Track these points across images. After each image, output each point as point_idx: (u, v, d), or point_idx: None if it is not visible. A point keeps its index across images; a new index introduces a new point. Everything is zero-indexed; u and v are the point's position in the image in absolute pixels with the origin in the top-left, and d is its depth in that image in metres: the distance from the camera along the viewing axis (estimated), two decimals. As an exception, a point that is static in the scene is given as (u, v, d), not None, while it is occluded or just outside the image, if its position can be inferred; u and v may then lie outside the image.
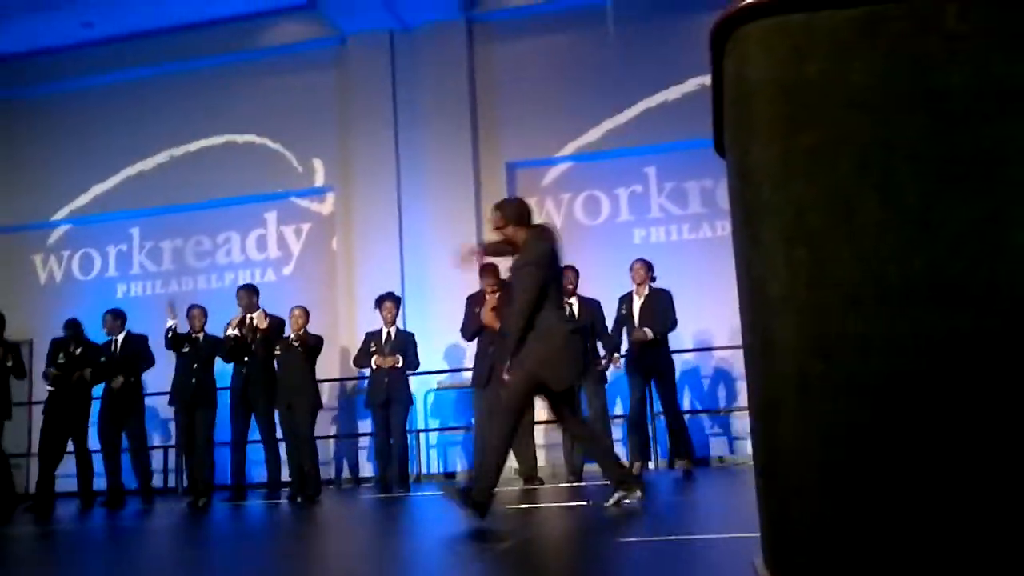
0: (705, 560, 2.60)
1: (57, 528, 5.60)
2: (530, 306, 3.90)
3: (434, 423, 8.18)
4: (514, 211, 4.20)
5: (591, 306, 6.68)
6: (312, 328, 6.72)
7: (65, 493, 7.53)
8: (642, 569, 2.55)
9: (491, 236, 4.42)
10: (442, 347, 7.95)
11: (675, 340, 6.85)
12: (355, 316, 8.35)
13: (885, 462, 1.29)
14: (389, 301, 7.23)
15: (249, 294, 6.88)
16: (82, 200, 9.75)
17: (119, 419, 7.10)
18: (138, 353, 7.22)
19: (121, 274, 9.62)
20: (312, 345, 6.64)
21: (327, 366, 7.79)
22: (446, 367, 8.03)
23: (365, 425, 7.89)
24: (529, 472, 6.40)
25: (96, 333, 7.39)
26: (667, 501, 4.72)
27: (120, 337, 7.30)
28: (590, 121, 8.54)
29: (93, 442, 7.16)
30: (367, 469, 8.14)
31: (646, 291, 6.58)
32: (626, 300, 6.65)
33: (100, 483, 7.15)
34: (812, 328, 1.40)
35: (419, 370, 7.32)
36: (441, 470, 8.09)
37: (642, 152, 8.45)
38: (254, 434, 6.82)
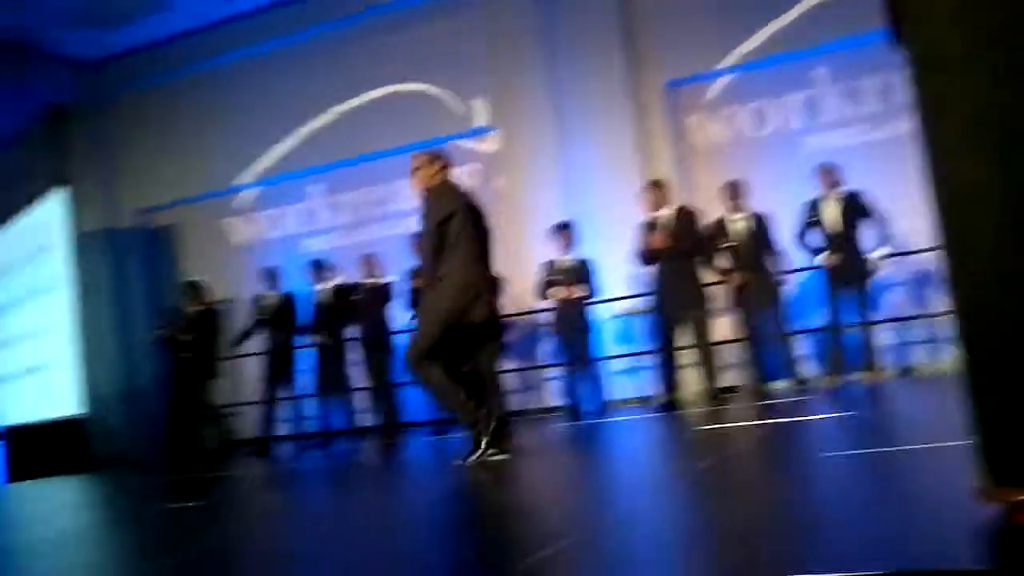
0: (915, 471, 2.53)
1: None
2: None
3: (618, 349, 8.23)
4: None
5: (759, 219, 6.64)
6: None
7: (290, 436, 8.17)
8: (851, 482, 2.52)
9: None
10: (614, 276, 7.96)
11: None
12: (524, 251, 8.48)
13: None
14: (565, 229, 7.30)
15: None
16: (263, 163, 10.33)
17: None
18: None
19: (306, 230, 10.17)
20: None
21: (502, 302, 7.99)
22: (622, 295, 8.03)
23: (548, 356, 8.08)
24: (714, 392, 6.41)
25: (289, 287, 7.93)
26: (867, 414, 4.60)
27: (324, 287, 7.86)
28: (750, 28, 8.20)
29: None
30: (551, 400, 8.32)
31: (836, 195, 6.51)
32: (813, 205, 6.52)
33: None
34: (1010, 215, 1.34)
35: (599, 298, 7.39)
36: (629, 396, 8.14)
37: (809, 54, 8.04)
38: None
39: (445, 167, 4.48)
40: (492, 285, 4.48)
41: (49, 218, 10.70)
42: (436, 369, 4.19)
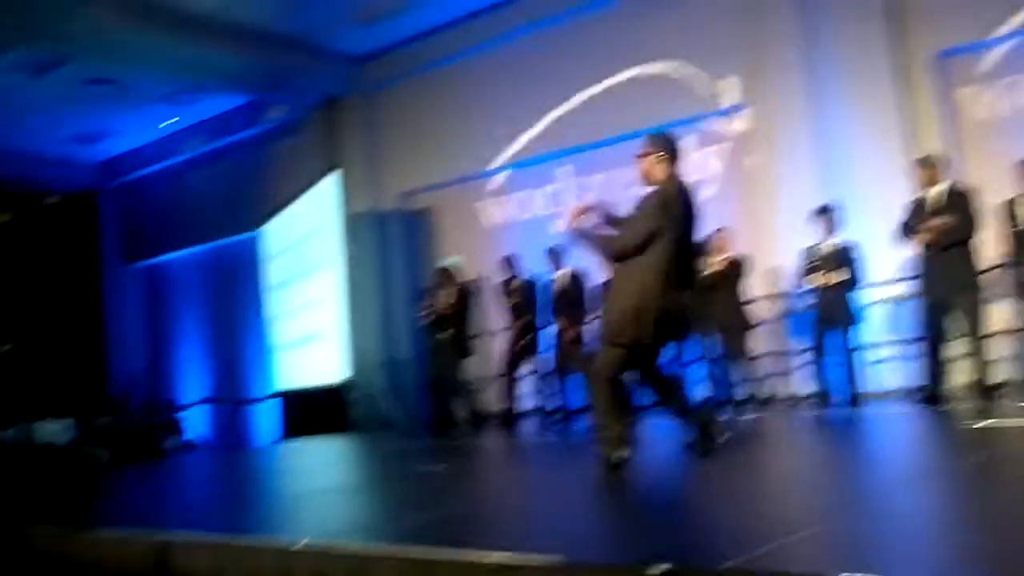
0: None
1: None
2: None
3: (882, 338, 7.73)
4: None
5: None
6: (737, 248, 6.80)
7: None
8: None
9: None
10: (877, 260, 7.49)
11: None
12: (775, 233, 8.18)
13: None
14: (826, 212, 6.96)
15: None
16: (514, 148, 10.67)
17: None
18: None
19: (554, 212, 10.40)
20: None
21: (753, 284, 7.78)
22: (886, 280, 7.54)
23: (801, 342, 7.77)
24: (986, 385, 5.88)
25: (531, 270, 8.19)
26: None
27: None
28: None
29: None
30: (802, 388, 7.97)
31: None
32: None
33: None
34: None
35: (862, 284, 6.98)
36: (891, 387, 7.65)
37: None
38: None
39: (673, 158, 4.31)
40: (686, 283, 4.19)
41: (322, 201, 11.66)
42: (608, 392, 3.93)
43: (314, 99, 11.84)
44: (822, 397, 6.89)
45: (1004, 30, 7.57)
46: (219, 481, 5.66)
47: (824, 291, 6.77)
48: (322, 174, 11.59)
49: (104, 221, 15.04)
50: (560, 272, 8.14)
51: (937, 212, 5.96)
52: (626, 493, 3.16)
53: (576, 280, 8.02)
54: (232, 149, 13.26)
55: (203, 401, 13.62)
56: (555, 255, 8.20)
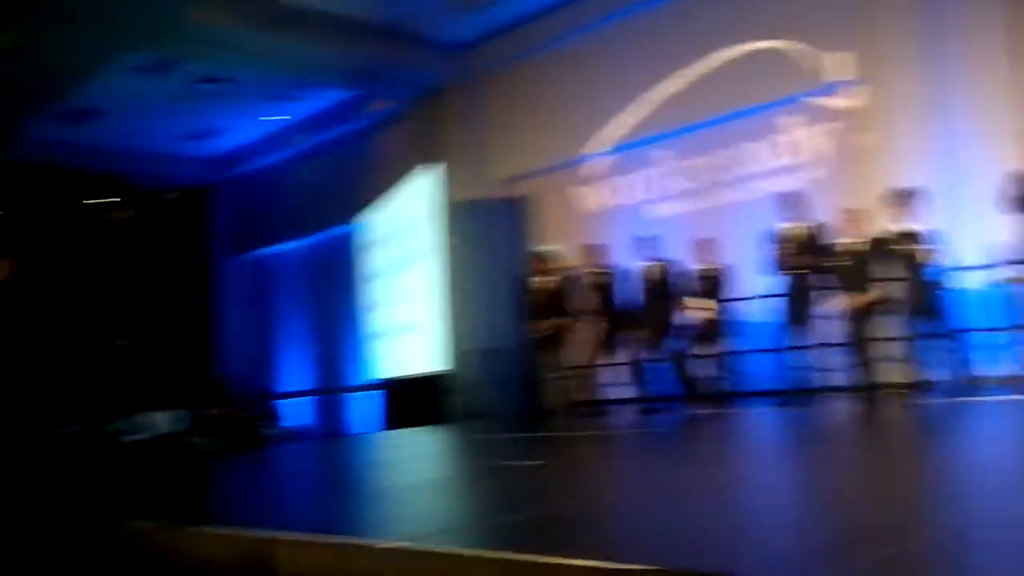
0: None
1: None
2: None
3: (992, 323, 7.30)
4: None
5: None
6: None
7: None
8: None
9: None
10: (985, 241, 7.07)
11: None
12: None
13: None
14: (906, 196, 6.68)
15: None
16: (610, 133, 10.48)
17: None
18: None
19: (654, 196, 10.17)
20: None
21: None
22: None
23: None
24: None
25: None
26: None
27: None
28: None
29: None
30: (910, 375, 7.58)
31: None
32: None
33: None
34: None
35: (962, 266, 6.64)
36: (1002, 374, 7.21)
37: None
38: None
39: None
40: None
41: (421, 192, 11.73)
42: None
43: (415, 90, 11.92)
44: (927, 385, 6.54)
45: None
46: (315, 475, 5.75)
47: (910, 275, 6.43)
48: (424, 164, 11.66)
49: (215, 215, 15.57)
50: (650, 263, 7.96)
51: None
52: (730, 491, 3.02)
53: (665, 271, 7.84)
54: (336, 143, 13.50)
55: (301, 393, 13.95)
56: (646, 245, 8.04)
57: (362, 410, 12.84)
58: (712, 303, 7.65)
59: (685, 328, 7.76)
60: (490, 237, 11.32)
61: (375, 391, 12.30)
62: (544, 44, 10.85)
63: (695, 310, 7.67)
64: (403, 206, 12.14)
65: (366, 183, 12.83)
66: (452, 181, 11.38)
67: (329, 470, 5.83)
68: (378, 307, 12.73)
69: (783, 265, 7.03)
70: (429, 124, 11.93)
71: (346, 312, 13.52)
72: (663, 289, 7.81)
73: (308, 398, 14.09)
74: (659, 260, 7.96)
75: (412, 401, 11.09)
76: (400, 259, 12.22)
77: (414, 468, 5.27)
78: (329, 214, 13.68)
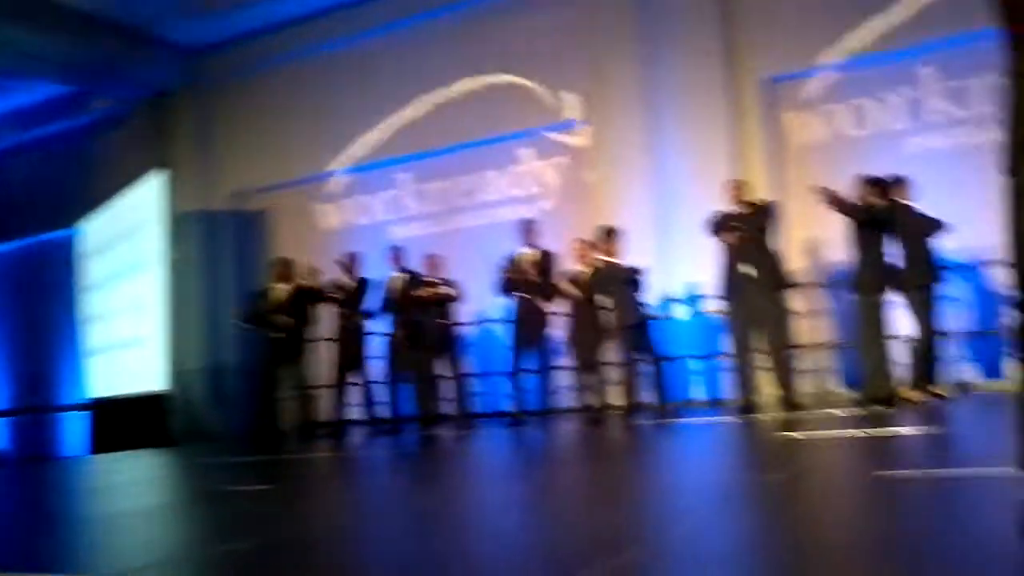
0: (965, 498, 2.37)
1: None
2: None
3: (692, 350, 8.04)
4: None
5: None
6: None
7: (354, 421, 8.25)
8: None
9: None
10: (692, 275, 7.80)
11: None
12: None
13: None
14: (610, 233, 7.19)
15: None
16: (354, 151, 10.43)
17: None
18: None
19: (393, 217, 10.24)
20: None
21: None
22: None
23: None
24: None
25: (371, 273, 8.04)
26: (924, 433, 4.35)
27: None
28: (852, 24, 7.89)
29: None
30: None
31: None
32: None
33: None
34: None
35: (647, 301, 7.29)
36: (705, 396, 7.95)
37: (913, 53, 7.69)
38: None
39: None
40: None
41: (147, 199, 11.02)
42: None
43: (142, 91, 11.19)
44: (638, 407, 7.03)
45: (827, 60, 8.03)
46: (11, 501, 5.19)
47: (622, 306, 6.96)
48: (148, 170, 10.97)
49: None
50: (399, 273, 7.98)
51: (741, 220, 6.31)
52: (439, 512, 3.08)
53: (414, 282, 7.87)
54: (54, 140, 12.38)
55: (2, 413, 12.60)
56: (396, 255, 8.06)
57: (71, 432, 11.76)
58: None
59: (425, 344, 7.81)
60: (218, 250, 10.83)
61: (83, 411, 11.31)
62: (286, 57, 10.62)
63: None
64: (128, 213, 11.35)
65: (88, 186, 11.88)
66: (179, 190, 10.80)
67: (30, 497, 5.27)
68: (97, 320, 11.77)
69: (511, 288, 7.36)
70: (157, 128, 11.26)
71: (61, 325, 12.37)
72: (410, 300, 7.81)
73: (11, 420, 12.69)
74: (406, 271, 7.99)
75: (125, 422, 10.30)
76: (123, 269, 11.39)
77: (128, 494, 4.90)
78: (44, 216, 12.50)
